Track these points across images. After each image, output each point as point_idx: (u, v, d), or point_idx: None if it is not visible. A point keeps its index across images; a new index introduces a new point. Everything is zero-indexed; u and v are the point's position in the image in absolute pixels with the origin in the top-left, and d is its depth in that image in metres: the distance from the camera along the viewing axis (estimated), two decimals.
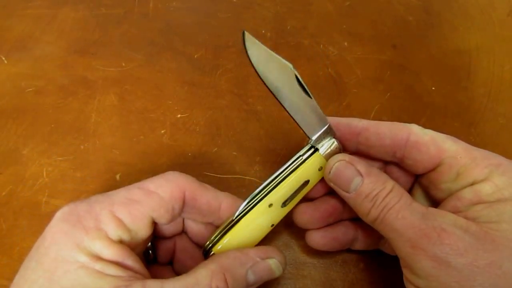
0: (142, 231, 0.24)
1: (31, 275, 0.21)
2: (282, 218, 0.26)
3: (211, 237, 0.25)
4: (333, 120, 0.26)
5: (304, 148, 0.26)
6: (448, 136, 0.25)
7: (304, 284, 0.29)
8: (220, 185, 0.33)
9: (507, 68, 0.40)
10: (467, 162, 0.23)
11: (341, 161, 0.24)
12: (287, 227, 0.31)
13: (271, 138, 0.35)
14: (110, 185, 0.33)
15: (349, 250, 0.30)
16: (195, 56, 0.40)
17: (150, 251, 0.27)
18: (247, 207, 0.25)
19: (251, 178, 0.33)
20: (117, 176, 0.33)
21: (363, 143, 0.26)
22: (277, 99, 0.24)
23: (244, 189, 0.32)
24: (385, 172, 0.28)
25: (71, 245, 0.21)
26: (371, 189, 0.23)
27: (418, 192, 0.27)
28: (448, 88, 0.39)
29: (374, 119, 0.36)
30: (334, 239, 0.28)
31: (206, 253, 0.25)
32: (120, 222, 0.23)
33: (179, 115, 0.36)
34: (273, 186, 0.25)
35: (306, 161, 0.25)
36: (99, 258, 0.21)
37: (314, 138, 0.25)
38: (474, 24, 0.43)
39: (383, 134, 0.25)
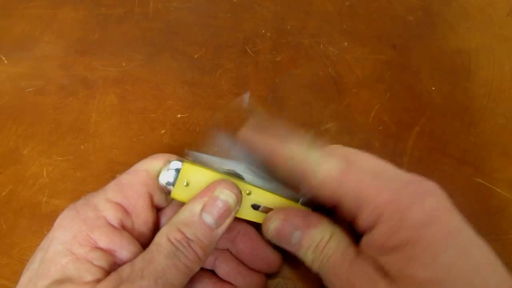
0: (143, 212, 0.24)
1: (31, 272, 0.21)
2: (241, 216, 0.25)
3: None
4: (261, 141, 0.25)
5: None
6: (352, 168, 0.22)
7: (304, 284, 0.29)
8: None
9: (507, 68, 0.40)
10: (355, 207, 0.21)
11: (276, 221, 0.24)
12: None
13: None
14: None
15: None
16: (195, 56, 0.40)
17: None
18: (229, 172, 0.25)
19: None
20: (117, 176, 0.33)
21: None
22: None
23: None
24: None
25: (69, 236, 0.22)
26: (311, 241, 0.23)
27: None
28: (448, 88, 0.39)
29: (374, 119, 0.36)
30: None
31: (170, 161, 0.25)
32: (117, 205, 0.23)
33: (179, 115, 0.36)
34: (266, 187, 0.25)
35: (299, 204, 0.26)
36: (95, 248, 0.22)
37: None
38: (474, 24, 0.43)
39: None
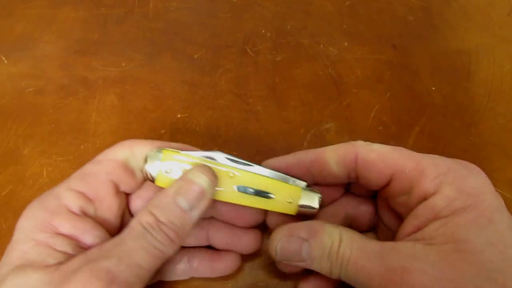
0: (107, 200, 0.24)
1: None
2: (225, 199, 0.25)
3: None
4: (281, 162, 0.26)
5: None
6: (396, 148, 0.24)
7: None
8: None
9: (507, 68, 0.40)
10: (415, 175, 0.22)
11: (281, 240, 0.23)
12: None
13: (271, 138, 0.35)
14: None
15: None
16: (195, 56, 0.40)
17: None
18: (209, 157, 0.25)
19: None
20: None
21: (317, 174, 0.26)
22: None
23: None
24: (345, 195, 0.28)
25: (31, 225, 0.22)
26: (322, 249, 0.22)
27: (383, 206, 0.27)
28: (448, 88, 0.39)
29: (374, 119, 0.36)
30: None
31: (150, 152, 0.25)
32: (79, 193, 0.23)
33: (179, 115, 0.36)
34: (250, 168, 0.25)
35: (287, 184, 0.26)
36: (57, 234, 0.22)
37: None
38: (474, 24, 0.43)
39: (331, 162, 0.25)
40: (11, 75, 0.39)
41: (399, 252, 0.20)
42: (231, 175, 0.25)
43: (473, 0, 0.45)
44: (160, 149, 0.25)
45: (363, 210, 0.28)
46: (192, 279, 0.28)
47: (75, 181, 0.24)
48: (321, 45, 0.41)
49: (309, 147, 0.35)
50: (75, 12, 0.43)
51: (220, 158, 0.25)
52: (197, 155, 0.25)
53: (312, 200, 0.25)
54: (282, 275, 0.29)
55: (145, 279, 0.21)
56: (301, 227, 0.23)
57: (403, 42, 0.41)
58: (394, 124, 0.36)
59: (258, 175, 0.25)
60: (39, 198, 0.24)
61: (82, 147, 0.35)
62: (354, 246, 0.22)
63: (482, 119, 0.37)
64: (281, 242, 0.23)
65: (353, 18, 0.43)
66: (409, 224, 0.22)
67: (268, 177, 0.25)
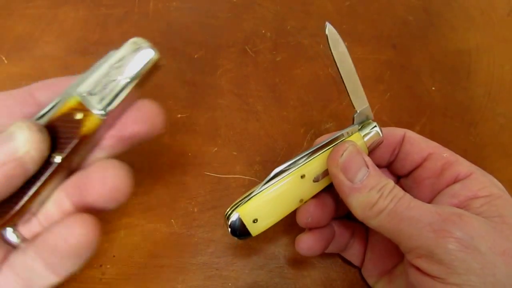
0: None
1: None
2: (312, 194, 0.26)
3: (236, 200, 0.26)
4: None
5: (349, 127, 0.27)
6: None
7: (304, 284, 0.29)
8: (220, 185, 0.33)
9: (507, 68, 0.40)
10: (452, 159, 0.25)
11: (354, 145, 0.24)
12: (287, 227, 0.31)
13: (271, 138, 0.35)
14: None
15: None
16: (195, 56, 0.40)
17: None
18: (277, 175, 0.26)
19: (251, 178, 0.33)
20: None
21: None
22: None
23: (244, 189, 0.32)
24: None
25: None
26: (377, 182, 0.23)
27: None
28: (448, 88, 0.39)
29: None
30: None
31: (227, 217, 0.26)
32: None
33: (179, 115, 0.36)
34: (308, 158, 0.26)
35: (346, 139, 0.26)
36: None
37: (359, 110, 0.27)
38: (474, 24, 0.43)
39: (386, 136, 0.27)
40: (11, 75, 0.39)
41: (452, 207, 0.22)
42: (301, 175, 0.25)
43: (473, 0, 0.45)
44: None
45: None
46: (192, 279, 0.28)
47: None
48: (321, 45, 0.41)
49: (310, 147, 0.35)
50: (75, 12, 0.43)
51: (278, 171, 0.26)
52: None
53: (373, 127, 0.27)
54: (282, 276, 0.29)
55: None
56: (366, 156, 0.24)
57: (403, 42, 0.41)
58: (394, 124, 0.36)
59: (318, 157, 0.26)
60: None
61: None
62: (406, 194, 0.23)
63: (482, 119, 0.37)
64: (353, 148, 0.24)
65: (353, 18, 0.43)
66: (446, 202, 0.24)
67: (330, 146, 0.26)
